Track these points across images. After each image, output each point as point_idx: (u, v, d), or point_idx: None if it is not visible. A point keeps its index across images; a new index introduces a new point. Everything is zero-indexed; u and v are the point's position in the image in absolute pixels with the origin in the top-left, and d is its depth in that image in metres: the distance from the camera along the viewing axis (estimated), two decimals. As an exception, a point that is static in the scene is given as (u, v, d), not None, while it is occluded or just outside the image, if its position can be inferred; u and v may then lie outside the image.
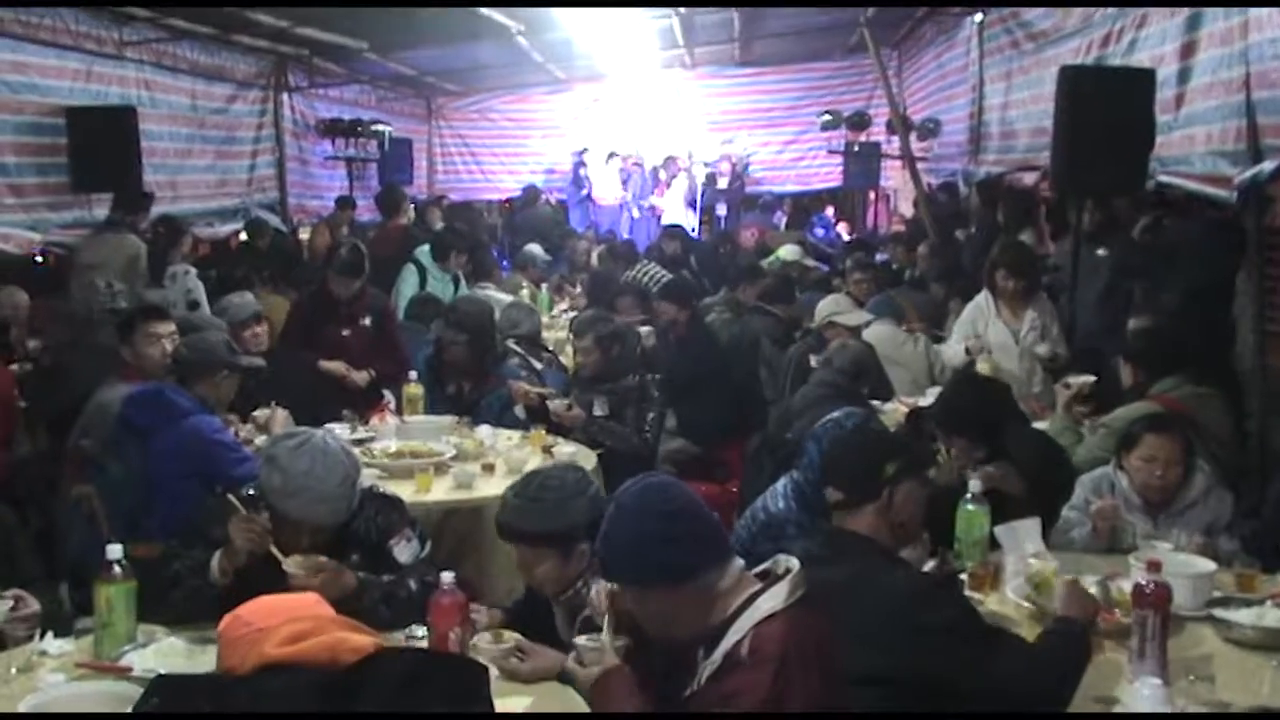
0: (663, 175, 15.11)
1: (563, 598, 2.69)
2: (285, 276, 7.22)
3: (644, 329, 6.14)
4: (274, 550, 2.78)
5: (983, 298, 5.65)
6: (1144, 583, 2.59)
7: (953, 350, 5.64)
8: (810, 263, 9.59)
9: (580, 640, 2.44)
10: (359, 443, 4.40)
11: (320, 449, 2.81)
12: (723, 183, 14.73)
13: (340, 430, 4.54)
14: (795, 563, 2.19)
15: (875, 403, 4.92)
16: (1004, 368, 5.31)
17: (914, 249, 8.62)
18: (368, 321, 5.59)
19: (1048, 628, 2.62)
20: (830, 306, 5.78)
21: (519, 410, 5.01)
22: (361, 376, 5.43)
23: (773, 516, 3.46)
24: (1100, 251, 6.14)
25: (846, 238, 13.35)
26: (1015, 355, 5.42)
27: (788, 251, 9.29)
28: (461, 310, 5.26)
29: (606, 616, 2.29)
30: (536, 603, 2.83)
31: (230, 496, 2.90)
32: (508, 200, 15.41)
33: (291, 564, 2.73)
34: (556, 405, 4.89)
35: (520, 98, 15.33)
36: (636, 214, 14.79)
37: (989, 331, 5.52)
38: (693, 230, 14.37)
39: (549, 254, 10.11)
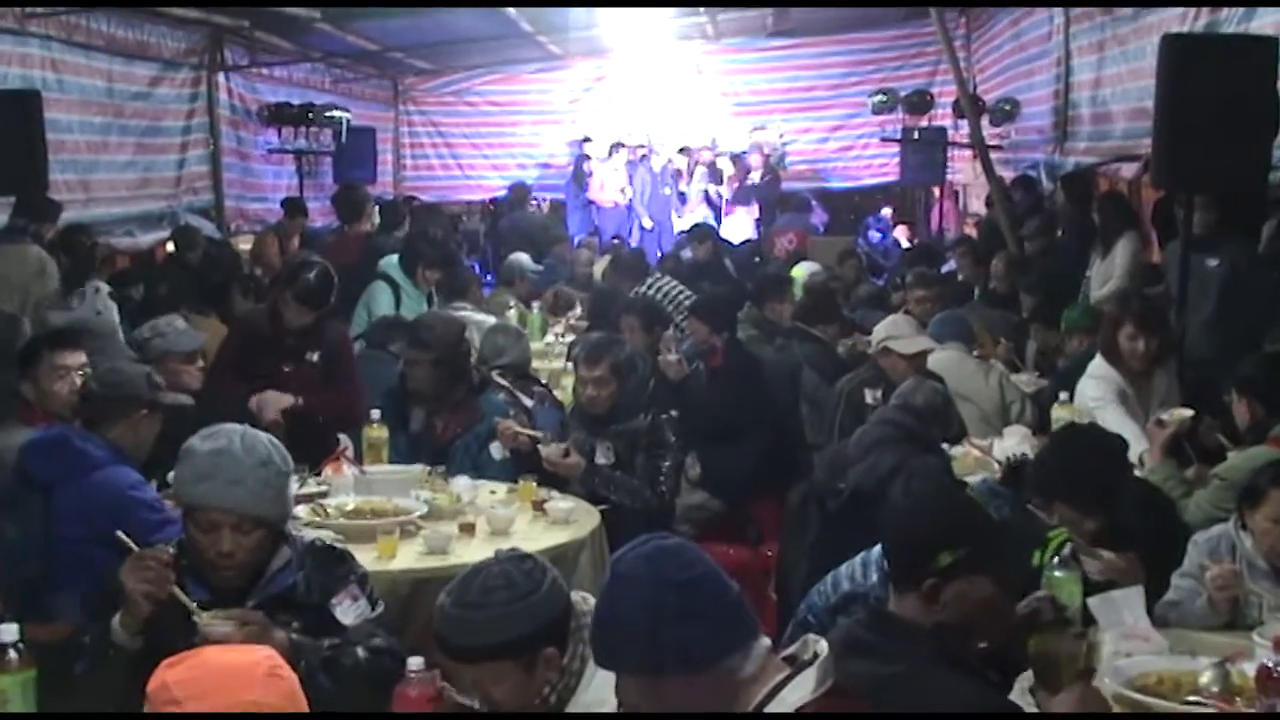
0: (680, 167, 15.09)
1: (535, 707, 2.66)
2: (221, 296, 7.27)
3: (670, 357, 6.12)
4: (178, 594, 2.78)
5: (1112, 372, 5.16)
6: (1272, 665, 2.58)
7: (1132, 435, 5.26)
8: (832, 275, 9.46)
9: None
10: (308, 499, 4.41)
11: (236, 432, 2.89)
12: (754, 177, 14.79)
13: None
14: (824, 646, 2.19)
15: (944, 446, 4.92)
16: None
17: (986, 259, 8.64)
18: (315, 358, 5.57)
19: None
20: (887, 329, 5.78)
21: (495, 448, 5.02)
22: (279, 399, 5.40)
23: (859, 589, 3.44)
24: (1211, 262, 6.13)
25: (905, 245, 13.37)
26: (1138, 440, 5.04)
27: (805, 271, 9.23)
28: (425, 324, 5.30)
29: None
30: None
31: (122, 535, 2.91)
32: (491, 201, 15.51)
33: (205, 618, 2.73)
34: (550, 451, 4.88)
35: (506, 77, 15.48)
36: (648, 222, 14.80)
37: (1108, 409, 5.07)
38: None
39: (539, 263, 10.17)
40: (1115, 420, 4.89)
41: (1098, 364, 5.22)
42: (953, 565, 2.61)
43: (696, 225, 11.51)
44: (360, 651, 2.85)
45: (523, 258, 9.69)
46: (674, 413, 5.19)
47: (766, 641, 2.20)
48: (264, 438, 2.91)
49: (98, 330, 5.17)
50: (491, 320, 7.27)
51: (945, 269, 9.58)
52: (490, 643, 2.51)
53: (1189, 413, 4.45)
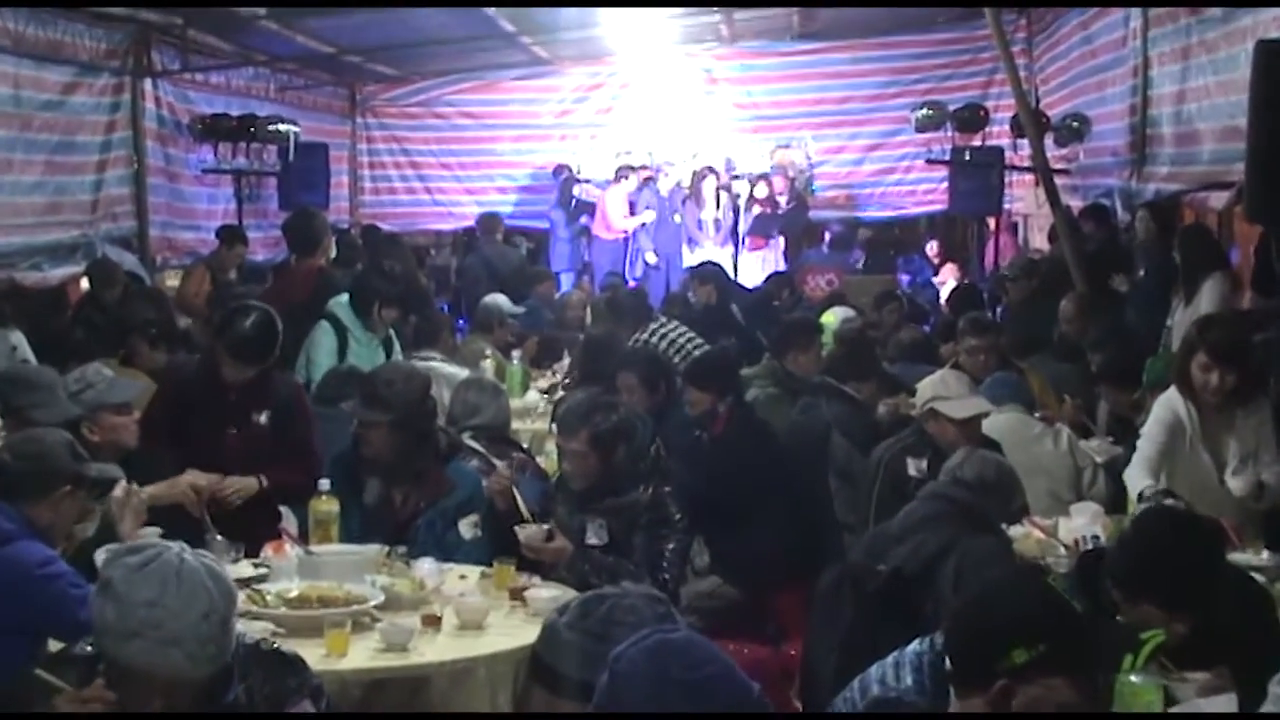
0: (692, 191, 15.15)
1: None
2: (145, 342, 7.29)
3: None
4: None
5: (1180, 402, 5.32)
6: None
7: (1135, 476, 5.39)
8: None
9: None
10: (244, 583, 4.41)
11: (173, 569, 2.84)
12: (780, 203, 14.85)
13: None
14: None
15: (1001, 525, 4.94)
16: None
17: (1053, 292, 8.65)
18: (264, 419, 5.57)
19: None
20: (934, 388, 5.78)
21: (465, 526, 5.02)
22: (247, 485, 5.41)
23: (889, 694, 3.43)
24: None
25: (954, 284, 13.43)
26: (1213, 493, 5.16)
27: (837, 317, 9.23)
28: (383, 379, 5.29)
29: None
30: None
31: (42, 673, 2.92)
32: (465, 231, 15.58)
33: None
34: (530, 535, 4.89)
35: (484, 85, 15.63)
36: (653, 256, 14.83)
37: (1179, 459, 5.21)
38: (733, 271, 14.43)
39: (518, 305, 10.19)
40: (1141, 448, 5.17)
41: (1168, 394, 5.36)
42: (1028, 665, 2.62)
43: (700, 265, 11.51)
44: None
45: (501, 299, 9.70)
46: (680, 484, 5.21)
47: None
48: (202, 571, 2.87)
49: (36, 381, 5.15)
50: (464, 373, 7.30)
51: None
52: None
53: None
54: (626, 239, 15.01)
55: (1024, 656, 2.62)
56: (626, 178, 14.96)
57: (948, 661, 2.75)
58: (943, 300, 12.32)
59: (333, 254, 10.17)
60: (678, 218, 14.91)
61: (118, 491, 4.42)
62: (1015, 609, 2.78)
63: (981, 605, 2.87)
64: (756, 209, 14.91)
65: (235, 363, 5.42)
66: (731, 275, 14.09)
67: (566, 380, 8.44)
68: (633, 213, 14.95)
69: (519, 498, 5.06)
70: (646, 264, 14.88)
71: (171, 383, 5.75)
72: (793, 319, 8.54)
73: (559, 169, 15.35)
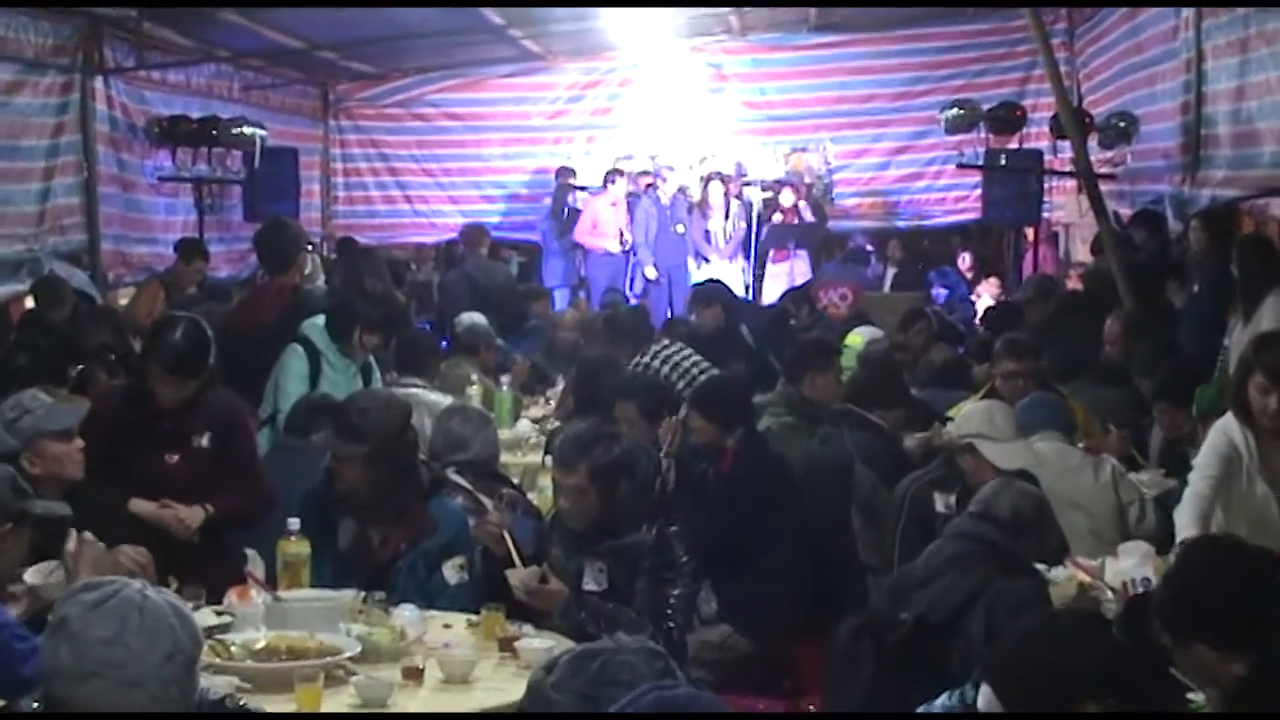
0: (695, 197, 15.14)
1: None
2: (103, 368, 7.31)
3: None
4: None
5: (1236, 428, 5.32)
6: None
7: (1186, 517, 5.36)
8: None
9: None
10: (206, 633, 4.43)
11: (135, 606, 2.85)
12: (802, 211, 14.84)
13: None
14: None
15: (1040, 566, 4.95)
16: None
17: (1098, 309, 8.67)
18: (205, 441, 5.61)
19: None
20: (979, 422, 5.74)
21: (450, 569, 5.03)
22: (192, 515, 5.43)
23: None
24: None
25: (991, 302, 13.46)
26: (1274, 527, 5.16)
27: (864, 338, 9.23)
28: (358, 408, 5.31)
29: None
30: None
31: None
32: (449, 244, 15.60)
33: None
34: (523, 576, 4.91)
35: (470, 83, 15.68)
36: (653, 271, 14.84)
37: (1235, 491, 5.22)
38: (745, 289, 14.44)
39: (508, 329, 10.21)
40: (1194, 482, 5.13)
41: (1223, 419, 5.35)
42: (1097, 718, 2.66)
43: (702, 284, 11.46)
44: None
45: (477, 318, 9.71)
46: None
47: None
48: (166, 608, 2.89)
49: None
50: (447, 400, 7.31)
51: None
52: None
53: None
54: (628, 251, 14.97)
55: (1095, 708, 2.66)
56: (614, 182, 14.92)
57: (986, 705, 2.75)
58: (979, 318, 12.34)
59: (308, 271, 10.12)
60: (681, 228, 14.85)
61: (70, 544, 4.43)
62: (1085, 658, 2.81)
63: (1046, 652, 2.89)
64: (777, 218, 14.91)
65: (170, 377, 5.43)
66: (747, 292, 14.19)
67: (560, 409, 8.46)
68: (632, 225, 14.89)
69: (510, 540, 5.07)
70: (646, 279, 14.88)
71: (101, 410, 5.72)
72: (808, 339, 8.51)
73: (561, 172, 15.35)
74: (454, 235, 15.22)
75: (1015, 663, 2.88)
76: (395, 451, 5.16)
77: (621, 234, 14.86)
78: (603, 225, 14.89)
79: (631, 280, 14.90)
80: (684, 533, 5.20)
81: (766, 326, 10.77)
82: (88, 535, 4.50)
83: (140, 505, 5.36)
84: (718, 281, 11.61)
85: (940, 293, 14.24)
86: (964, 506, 5.23)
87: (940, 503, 5.58)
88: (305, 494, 5.33)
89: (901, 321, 10.23)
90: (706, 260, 14.79)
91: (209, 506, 5.42)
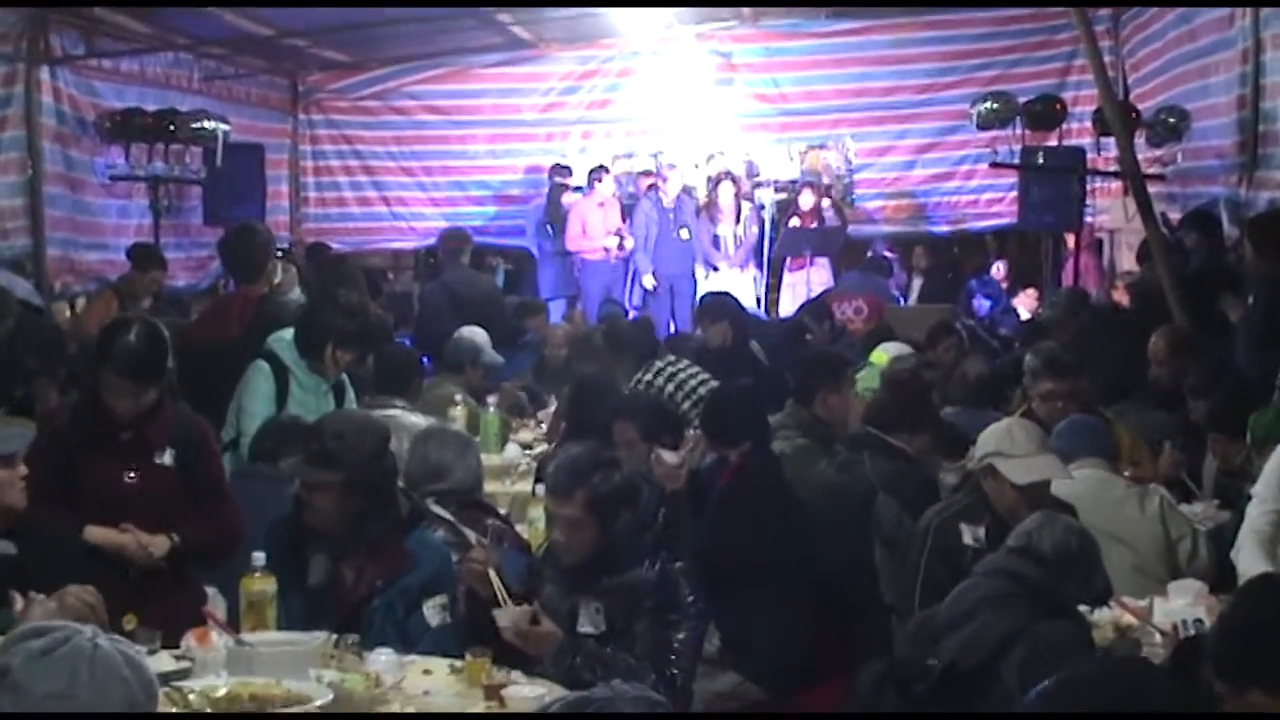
0: (701, 199, 15.12)
1: None
2: (53, 386, 7.31)
3: (669, 457, 6.15)
4: None
5: None
6: None
7: (1248, 557, 5.45)
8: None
9: None
10: (162, 679, 4.44)
11: (85, 656, 2.86)
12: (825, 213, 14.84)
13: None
14: None
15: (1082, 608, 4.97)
16: None
17: (1145, 324, 8.67)
18: (168, 458, 5.61)
19: None
20: (995, 440, 5.79)
21: (431, 609, 5.03)
22: (156, 542, 5.44)
23: None
24: None
25: (1027, 315, 13.47)
26: None
27: (889, 355, 9.22)
28: (330, 430, 5.31)
29: None
30: None
31: None
32: (430, 251, 15.62)
33: None
34: (512, 617, 4.91)
35: (454, 74, 15.70)
36: (651, 280, 14.84)
37: (1254, 505, 5.36)
38: (757, 301, 14.45)
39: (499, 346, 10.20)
40: (1252, 516, 5.20)
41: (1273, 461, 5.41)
42: None
43: (707, 298, 11.38)
44: None
45: (478, 334, 9.73)
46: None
47: None
48: (119, 659, 2.90)
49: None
50: (426, 422, 7.31)
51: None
52: None
53: None
54: (623, 259, 14.99)
55: None
56: (600, 180, 14.91)
57: None
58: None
59: (278, 281, 10.02)
60: (685, 234, 14.86)
61: (16, 605, 4.45)
62: (1135, 707, 2.84)
63: (1092, 701, 2.88)
64: (793, 222, 14.88)
65: (126, 383, 5.42)
66: (759, 305, 14.19)
67: (552, 432, 8.47)
68: (631, 228, 14.90)
69: (497, 577, 5.07)
70: (645, 289, 14.91)
71: (50, 431, 5.70)
72: (817, 354, 8.51)
73: (555, 171, 15.34)
74: (435, 241, 15.20)
75: (1057, 714, 2.89)
76: (372, 479, 5.16)
77: (621, 235, 14.85)
78: (592, 229, 14.87)
79: (631, 290, 14.94)
80: (692, 568, 5.21)
81: (781, 343, 10.73)
82: (37, 595, 4.51)
83: (96, 533, 5.36)
84: (726, 294, 11.58)
85: (982, 304, 14.26)
86: (994, 539, 5.24)
87: (968, 535, 5.57)
88: (272, 525, 5.33)
89: (928, 336, 10.21)
90: (715, 269, 14.82)
91: (174, 536, 5.44)
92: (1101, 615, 5.14)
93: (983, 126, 13.19)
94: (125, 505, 5.44)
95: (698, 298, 13.26)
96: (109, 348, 5.49)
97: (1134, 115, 11.77)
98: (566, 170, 15.39)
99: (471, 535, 5.68)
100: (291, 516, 5.26)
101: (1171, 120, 11.90)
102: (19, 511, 4.97)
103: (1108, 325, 10.04)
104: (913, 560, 5.88)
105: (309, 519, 5.17)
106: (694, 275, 14.89)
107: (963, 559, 5.38)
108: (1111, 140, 11.21)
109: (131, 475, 5.52)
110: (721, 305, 10.51)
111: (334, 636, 4.80)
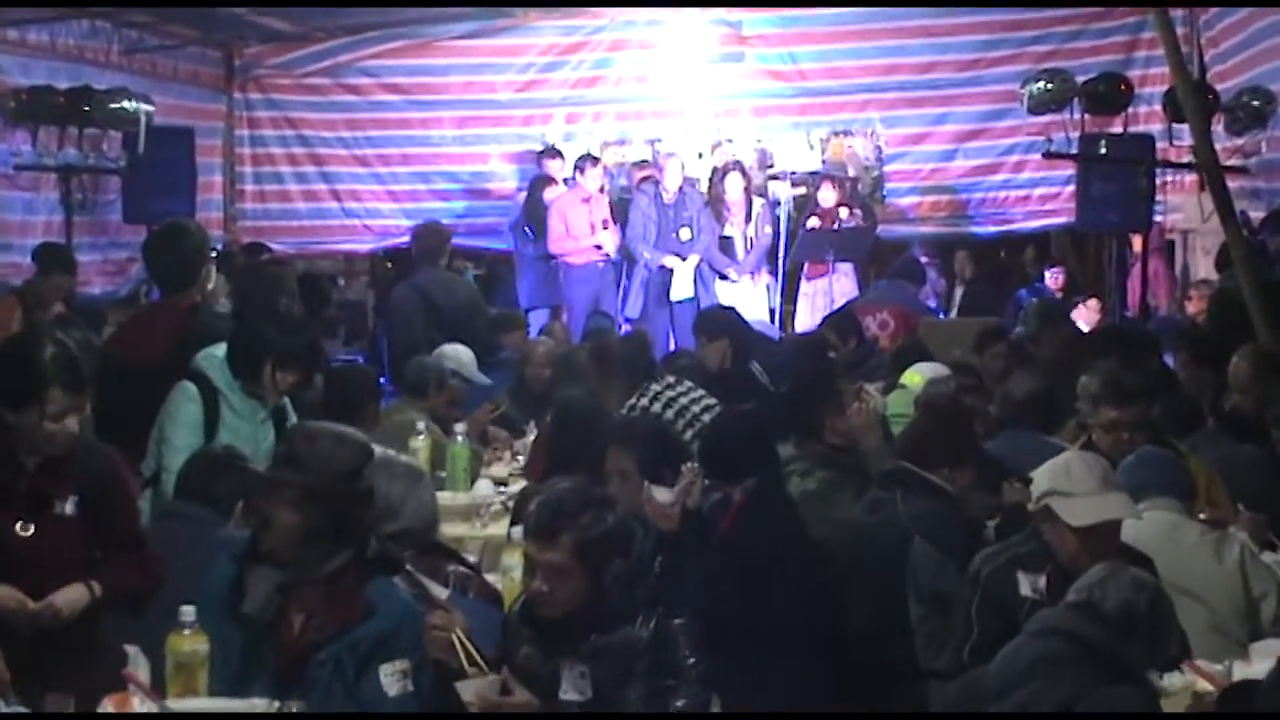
0: (709, 193, 15.11)
1: None
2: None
3: (661, 496, 6.19)
4: None
5: None
6: None
7: None
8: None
9: None
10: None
11: None
12: (842, 213, 14.84)
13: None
14: None
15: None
16: None
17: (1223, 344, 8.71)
18: (69, 507, 5.56)
19: None
20: (1051, 477, 5.78)
21: (390, 678, 5.00)
22: (71, 596, 5.41)
23: None
24: None
25: (1087, 328, 13.46)
26: None
27: (923, 376, 9.21)
28: (304, 434, 5.25)
29: None
30: None
31: None
32: (390, 253, 15.62)
33: None
34: (479, 688, 4.90)
35: (416, 47, 15.76)
36: (673, 261, 14.72)
37: None
38: (770, 314, 14.44)
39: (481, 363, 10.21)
40: None
41: None
42: None
43: (706, 312, 11.41)
44: None
45: (461, 353, 9.75)
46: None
47: None
48: None
49: None
50: (383, 454, 7.28)
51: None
52: None
53: None
54: (615, 262, 14.93)
55: None
56: (584, 172, 14.83)
57: None
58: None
59: (213, 289, 9.94)
60: (687, 233, 14.76)
61: None
62: None
63: None
64: (813, 222, 14.88)
65: (68, 396, 5.35)
66: (773, 318, 14.19)
67: (531, 466, 8.47)
68: (616, 222, 14.83)
69: (463, 642, 5.06)
70: (645, 296, 14.79)
71: None
72: (801, 374, 8.44)
73: (542, 155, 15.29)
74: (395, 241, 15.22)
75: None
76: (338, 496, 5.07)
77: (605, 226, 14.70)
78: (575, 228, 14.72)
79: (624, 300, 14.89)
80: (684, 621, 5.20)
81: (792, 363, 10.64)
82: None
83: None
84: (724, 308, 11.60)
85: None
86: (1056, 591, 5.23)
87: (1026, 585, 5.56)
88: (211, 569, 5.28)
89: (976, 341, 10.20)
90: (724, 276, 14.76)
91: (95, 585, 5.39)
92: (1173, 681, 5.14)
93: (1035, 110, 13.26)
94: (16, 561, 5.37)
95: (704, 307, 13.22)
96: (31, 363, 5.36)
97: (1212, 98, 11.80)
98: (555, 154, 15.34)
99: (434, 588, 5.64)
100: (247, 551, 5.13)
101: (1255, 104, 11.95)
102: None
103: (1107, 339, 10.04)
104: (960, 614, 5.86)
105: (263, 540, 5.07)
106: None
107: (1018, 613, 5.37)
108: (1185, 127, 11.23)
109: (25, 531, 5.48)
110: (721, 320, 10.52)
111: (276, 703, 4.79)
